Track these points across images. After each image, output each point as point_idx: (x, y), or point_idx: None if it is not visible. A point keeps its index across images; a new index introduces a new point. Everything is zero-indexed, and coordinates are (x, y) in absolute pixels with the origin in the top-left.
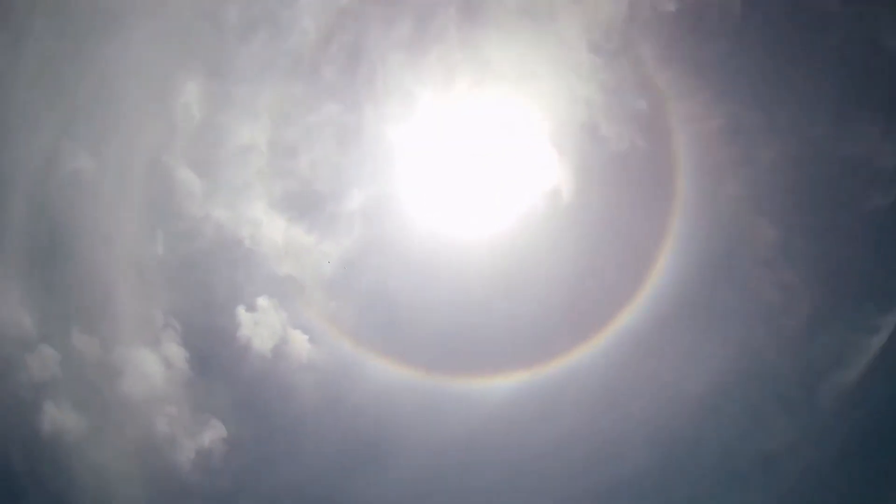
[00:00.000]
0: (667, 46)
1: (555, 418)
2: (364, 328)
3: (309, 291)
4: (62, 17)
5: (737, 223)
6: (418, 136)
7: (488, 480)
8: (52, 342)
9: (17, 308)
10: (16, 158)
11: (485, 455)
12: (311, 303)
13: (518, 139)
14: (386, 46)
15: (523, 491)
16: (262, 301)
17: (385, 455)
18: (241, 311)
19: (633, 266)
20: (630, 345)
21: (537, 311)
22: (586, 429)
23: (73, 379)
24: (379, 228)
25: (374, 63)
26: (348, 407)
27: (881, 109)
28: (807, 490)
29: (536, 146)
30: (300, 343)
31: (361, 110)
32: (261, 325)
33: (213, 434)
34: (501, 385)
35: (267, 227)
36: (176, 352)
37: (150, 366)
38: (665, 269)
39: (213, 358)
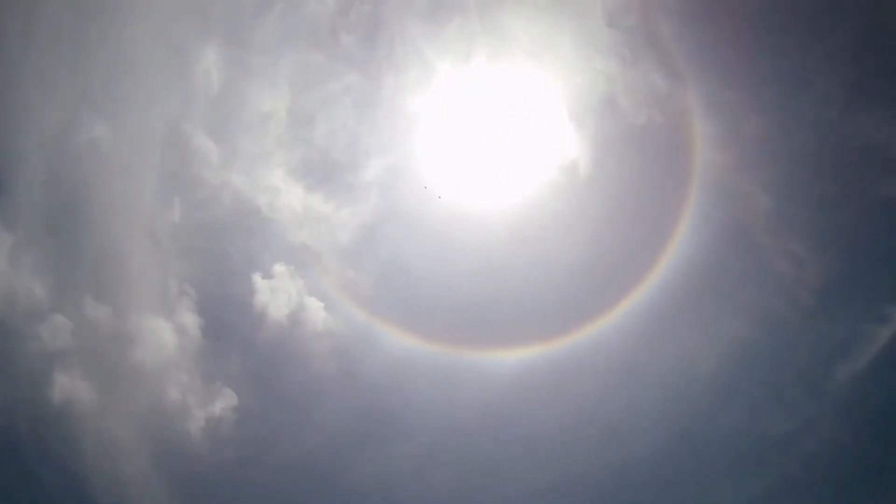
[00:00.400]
0: (685, 23)
1: (567, 393)
2: (379, 298)
3: (325, 260)
4: None
5: (751, 202)
6: (436, 106)
7: (498, 453)
8: (64, 311)
9: (30, 277)
10: (33, 126)
11: (495, 428)
12: (328, 271)
13: (536, 112)
14: (405, 16)
15: (532, 465)
16: (278, 268)
17: (396, 426)
18: (258, 279)
19: (648, 241)
20: (643, 322)
21: (552, 284)
22: (598, 405)
23: (85, 348)
24: (396, 198)
25: (393, 32)
26: (361, 376)
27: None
28: (812, 474)
29: (554, 119)
30: (316, 311)
31: (380, 80)
32: (277, 293)
33: (224, 403)
34: (514, 358)
35: (285, 194)
36: (190, 320)
37: (164, 334)
38: (680, 245)
39: (228, 326)
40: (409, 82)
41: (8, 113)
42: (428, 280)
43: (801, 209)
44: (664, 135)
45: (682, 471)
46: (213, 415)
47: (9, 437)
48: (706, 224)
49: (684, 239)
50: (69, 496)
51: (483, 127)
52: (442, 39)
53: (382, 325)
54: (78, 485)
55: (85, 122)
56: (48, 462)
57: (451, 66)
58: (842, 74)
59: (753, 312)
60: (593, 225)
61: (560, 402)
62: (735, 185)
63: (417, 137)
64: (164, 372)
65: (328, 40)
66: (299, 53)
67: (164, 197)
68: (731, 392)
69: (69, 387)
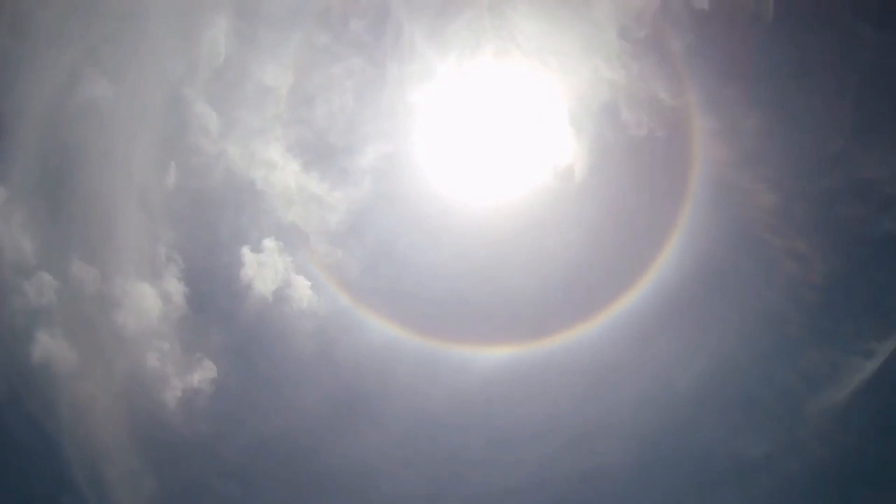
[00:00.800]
0: (696, 41)
1: (544, 395)
2: (365, 284)
3: (315, 239)
4: None
5: (746, 225)
6: (438, 99)
7: (469, 449)
8: (51, 269)
9: (18, 233)
10: (33, 82)
11: (468, 424)
12: (317, 251)
13: (537, 113)
14: (416, 6)
15: (504, 463)
16: (268, 243)
17: (371, 413)
18: (246, 252)
19: (637, 252)
20: (627, 330)
21: (537, 286)
22: (572, 411)
23: (69, 308)
24: (390, 187)
25: (402, 22)
26: (342, 359)
27: None
28: (787, 498)
29: (555, 122)
30: (302, 289)
31: (385, 67)
32: (264, 267)
33: (203, 374)
34: (492, 356)
35: (280, 170)
36: (175, 287)
37: (148, 300)
38: (669, 258)
39: (213, 296)
40: (413, 73)
41: (9, 66)
42: (415, 271)
43: (795, 239)
44: (663, 150)
45: (652, 483)
46: (191, 385)
47: None
48: (695, 244)
49: (673, 254)
50: (40, 453)
51: (483, 124)
52: (450, 33)
53: (366, 311)
54: (49, 443)
55: (88, 80)
56: (22, 418)
57: (456, 60)
58: (850, 110)
59: (736, 333)
60: (584, 231)
61: (536, 404)
62: (731, 209)
63: (416, 128)
64: (145, 338)
65: (337, 23)
66: (307, 33)
67: (160, 161)
68: (705, 412)
69: (49, 345)
